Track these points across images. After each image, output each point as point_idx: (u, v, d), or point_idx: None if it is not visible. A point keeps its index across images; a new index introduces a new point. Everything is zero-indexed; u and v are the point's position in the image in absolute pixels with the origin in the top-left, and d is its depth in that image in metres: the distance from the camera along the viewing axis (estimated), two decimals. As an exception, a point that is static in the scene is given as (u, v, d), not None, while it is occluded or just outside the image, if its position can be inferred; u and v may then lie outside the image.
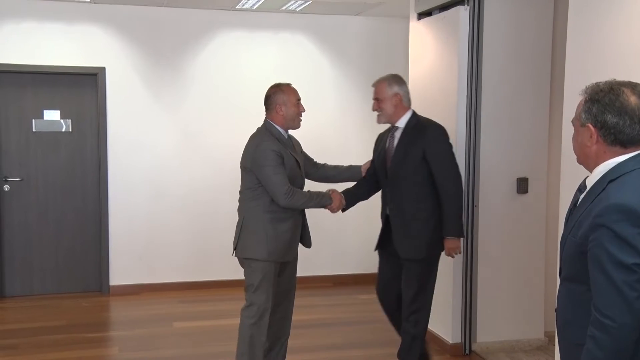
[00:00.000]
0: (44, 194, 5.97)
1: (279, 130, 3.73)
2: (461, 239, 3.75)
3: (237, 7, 5.93)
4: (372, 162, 3.94)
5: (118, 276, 6.05)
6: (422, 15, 4.88)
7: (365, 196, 4.00)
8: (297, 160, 3.72)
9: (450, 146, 3.67)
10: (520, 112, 4.41)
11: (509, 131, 4.41)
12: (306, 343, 4.75)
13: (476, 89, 4.35)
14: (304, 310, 5.59)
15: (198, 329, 5.08)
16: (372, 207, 6.41)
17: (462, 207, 3.69)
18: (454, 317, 4.50)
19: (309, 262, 6.47)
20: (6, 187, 5.83)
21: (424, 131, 3.65)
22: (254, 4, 5.81)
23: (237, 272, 6.24)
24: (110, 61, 5.92)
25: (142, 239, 6.10)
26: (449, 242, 3.64)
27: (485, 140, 4.39)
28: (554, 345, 2.99)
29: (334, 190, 3.79)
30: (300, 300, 5.88)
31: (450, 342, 4.52)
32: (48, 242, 5.96)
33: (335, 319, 5.36)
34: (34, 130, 5.90)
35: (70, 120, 5.97)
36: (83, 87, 5.97)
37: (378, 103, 3.71)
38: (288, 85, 3.77)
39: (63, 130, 5.98)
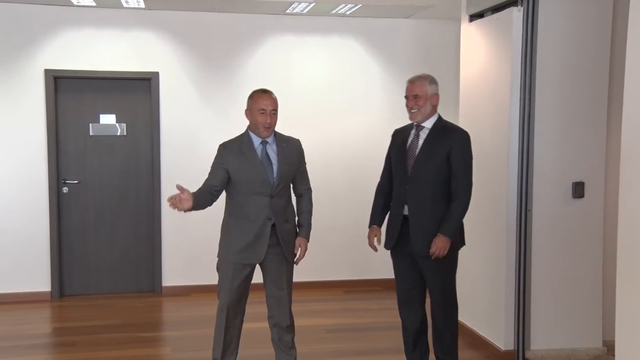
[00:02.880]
0: (100, 196, 6.13)
1: (248, 134, 3.85)
2: (449, 243, 3.63)
3: (287, 11, 5.98)
4: (388, 158, 3.96)
5: (170, 277, 6.17)
6: (473, 17, 4.82)
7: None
8: (261, 166, 3.74)
9: (471, 155, 3.69)
10: (576, 114, 4.30)
11: (564, 134, 4.30)
12: (358, 347, 4.75)
13: (529, 91, 4.26)
14: (355, 313, 5.60)
15: (247, 330, 5.10)
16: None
17: (465, 213, 3.66)
18: (506, 323, 4.42)
19: (360, 266, 6.49)
20: (65, 189, 6.02)
21: (452, 133, 3.67)
22: (304, 8, 5.84)
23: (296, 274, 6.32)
24: (163, 66, 6.05)
25: (194, 241, 6.19)
26: (440, 240, 3.58)
27: (539, 143, 4.30)
28: (613, 355, 2.90)
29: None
30: (351, 304, 5.92)
31: (503, 349, 4.44)
32: (103, 243, 6.12)
33: (386, 323, 5.32)
34: (90, 134, 6.07)
35: (125, 124, 6.12)
36: (137, 91, 6.12)
37: (416, 100, 3.68)
38: (259, 92, 3.80)
39: (118, 133, 6.13)
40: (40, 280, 5.93)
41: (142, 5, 5.70)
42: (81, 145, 6.06)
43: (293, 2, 5.63)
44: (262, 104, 3.73)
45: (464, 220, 3.72)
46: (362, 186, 6.43)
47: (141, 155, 6.18)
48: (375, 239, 3.93)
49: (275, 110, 3.78)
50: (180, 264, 6.21)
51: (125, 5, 5.69)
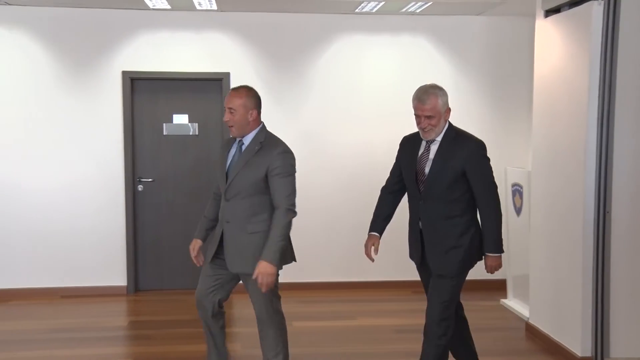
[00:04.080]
0: (173, 194, 6.30)
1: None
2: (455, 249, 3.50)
3: (356, 10, 5.97)
4: (397, 166, 3.77)
5: (240, 274, 6.26)
6: (549, 12, 4.69)
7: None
8: (222, 166, 3.66)
9: (489, 161, 3.50)
10: (659, 113, 4.12)
11: (646, 133, 4.13)
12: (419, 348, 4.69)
13: (609, 89, 4.11)
14: (417, 314, 5.53)
15: (317, 328, 5.15)
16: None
17: (502, 223, 3.51)
18: (583, 328, 4.27)
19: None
20: (140, 187, 6.21)
21: (465, 144, 3.46)
22: (373, 7, 5.82)
23: (355, 274, 6.34)
24: (234, 66, 6.15)
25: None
26: (490, 260, 3.49)
27: (619, 143, 4.14)
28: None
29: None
30: (420, 305, 5.81)
31: (580, 355, 4.30)
32: (176, 240, 6.28)
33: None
34: (164, 133, 6.24)
35: (197, 123, 6.26)
36: (209, 92, 6.24)
37: (430, 120, 3.42)
38: (230, 90, 3.65)
39: (190, 133, 6.27)
40: (116, 275, 6.14)
41: (214, 7, 5.81)
42: (155, 144, 6.23)
43: (362, 1, 5.62)
44: (225, 102, 3.60)
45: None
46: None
47: (212, 155, 6.29)
48: (373, 248, 3.77)
49: (233, 108, 3.51)
50: (250, 262, 6.29)
51: (198, 7, 5.82)
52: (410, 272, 6.43)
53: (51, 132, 6.00)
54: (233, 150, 3.65)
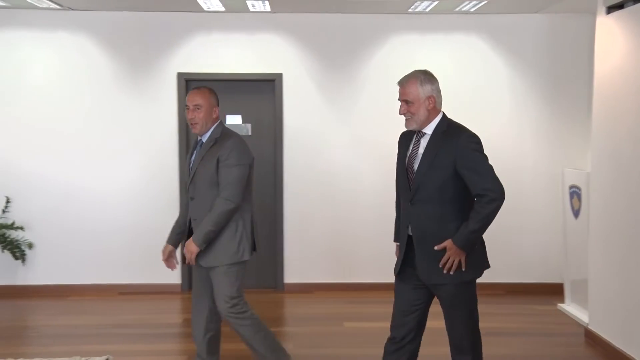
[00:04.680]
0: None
1: None
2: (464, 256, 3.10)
3: (409, 10, 5.92)
4: (400, 160, 3.36)
5: (292, 274, 6.30)
6: (611, 8, 4.55)
7: None
8: (187, 166, 3.74)
9: (484, 156, 3.11)
10: None
11: None
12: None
13: (675, 87, 3.96)
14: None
15: (368, 330, 5.13)
16: (555, 215, 6.12)
17: (485, 222, 3.07)
18: (645, 336, 4.13)
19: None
20: (194, 187, 6.30)
21: (454, 137, 3.09)
22: (427, 7, 5.76)
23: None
24: (287, 67, 6.18)
25: (316, 240, 6.29)
26: (451, 247, 3.05)
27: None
28: None
29: None
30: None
31: (642, 362, 4.15)
32: (229, 239, 6.34)
33: (509, 329, 5.15)
34: (218, 134, 6.32)
35: (250, 124, 6.32)
36: (262, 92, 6.29)
37: (408, 106, 3.15)
38: (192, 89, 3.70)
39: (243, 133, 6.34)
40: (171, 273, 6.23)
41: (268, 8, 5.85)
42: (209, 144, 6.31)
43: (416, 1, 5.56)
44: (187, 100, 3.66)
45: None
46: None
47: (265, 155, 6.35)
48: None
49: (198, 105, 3.58)
50: (302, 262, 6.32)
51: (251, 9, 5.87)
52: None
53: (110, 132, 6.16)
54: (195, 151, 3.74)
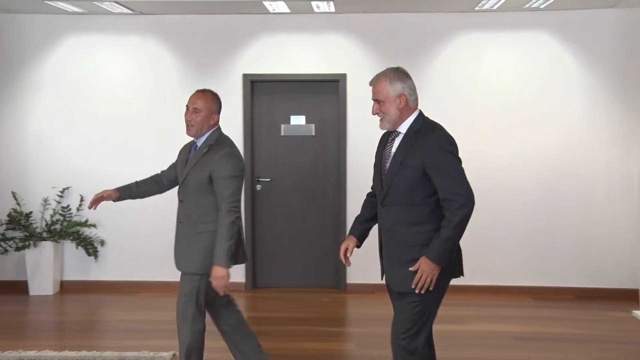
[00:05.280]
0: (289, 194, 6.42)
1: None
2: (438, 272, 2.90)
3: (476, 8, 5.81)
4: (376, 160, 3.18)
5: (354, 275, 6.28)
6: (691, 2, 4.33)
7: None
8: (181, 168, 3.71)
9: (456, 158, 2.92)
10: None
11: None
12: (548, 357, 4.48)
13: None
14: (545, 322, 5.30)
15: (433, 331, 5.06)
16: (631, 218, 5.89)
17: (458, 233, 2.86)
18: None
19: (550, 273, 6.14)
20: (258, 187, 6.38)
21: (425, 137, 2.93)
22: (494, 4, 5.64)
23: (470, 277, 6.15)
24: (350, 68, 6.18)
25: (377, 241, 6.24)
26: (425, 264, 2.86)
27: None
28: None
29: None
30: (541, 312, 5.61)
31: None
32: (292, 239, 6.40)
33: (579, 335, 4.99)
34: (282, 134, 6.37)
35: (313, 125, 6.35)
36: (326, 93, 6.31)
37: (379, 106, 3.02)
38: (195, 91, 3.66)
39: (307, 134, 6.37)
40: (235, 272, 6.31)
41: (332, 9, 5.87)
42: (273, 145, 6.39)
43: (483, -2, 5.47)
44: (188, 100, 3.61)
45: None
46: (554, 193, 6.12)
47: (329, 155, 6.36)
48: (347, 250, 3.29)
49: (197, 109, 3.54)
50: (365, 262, 6.27)
51: (316, 10, 5.90)
52: (530, 278, 6.21)
53: (178, 133, 6.28)
54: (190, 153, 3.69)
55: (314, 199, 6.40)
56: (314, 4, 5.65)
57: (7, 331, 5.06)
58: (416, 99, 3.08)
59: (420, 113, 3.07)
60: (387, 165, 3.02)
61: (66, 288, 6.34)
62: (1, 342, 4.72)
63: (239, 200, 3.52)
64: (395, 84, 3.02)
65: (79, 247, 6.22)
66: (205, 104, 3.56)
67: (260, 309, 5.83)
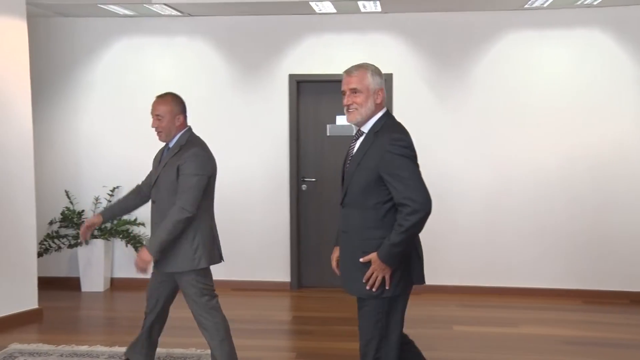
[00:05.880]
0: (335, 194, 6.40)
1: None
2: (389, 272, 2.83)
3: (526, 6, 5.71)
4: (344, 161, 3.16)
5: (400, 275, 6.24)
6: None
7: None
8: (153, 170, 3.78)
9: (412, 161, 2.81)
10: None
11: None
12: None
13: None
14: (597, 326, 5.17)
15: (478, 334, 4.99)
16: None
17: (407, 236, 2.78)
18: None
19: (602, 276, 5.98)
20: (304, 187, 6.41)
21: (381, 138, 2.82)
22: (545, 1, 5.53)
23: (519, 280, 6.05)
24: (397, 67, 6.14)
25: (423, 241, 6.15)
26: (375, 262, 2.80)
27: None
28: None
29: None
30: (592, 316, 5.47)
31: None
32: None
33: (635, 341, 4.83)
34: (327, 134, 6.38)
35: (359, 125, 6.33)
36: (372, 93, 6.29)
37: (355, 96, 2.89)
38: (155, 97, 3.70)
39: (353, 134, 6.34)
40: (281, 271, 6.39)
41: (379, 9, 5.84)
42: (319, 145, 6.40)
43: (533, -5, 5.37)
44: (151, 109, 3.66)
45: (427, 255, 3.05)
46: (607, 194, 5.97)
47: (374, 155, 6.33)
48: (336, 261, 3.25)
49: (160, 115, 3.61)
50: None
51: (362, 10, 5.89)
52: (582, 281, 6.06)
53: (225, 132, 6.38)
54: (163, 155, 3.75)
55: (360, 199, 6.38)
56: (360, 3, 5.64)
57: (61, 326, 5.21)
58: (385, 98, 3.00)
59: (386, 113, 2.98)
60: (347, 166, 2.97)
61: (116, 285, 6.48)
62: (55, 336, 4.85)
63: (196, 201, 3.52)
64: (376, 77, 2.92)
65: (128, 245, 6.36)
66: (166, 108, 3.63)
67: (305, 308, 5.84)
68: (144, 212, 6.32)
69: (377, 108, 2.93)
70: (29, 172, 5.25)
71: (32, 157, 5.28)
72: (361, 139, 2.95)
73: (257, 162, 6.37)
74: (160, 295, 3.83)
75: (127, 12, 6.02)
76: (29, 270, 5.27)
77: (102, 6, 5.75)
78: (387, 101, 6.13)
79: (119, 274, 6.51)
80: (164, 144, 3.75)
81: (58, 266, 6.51)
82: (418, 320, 5.32)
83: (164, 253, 3.57)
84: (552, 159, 6.02)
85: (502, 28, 6.00)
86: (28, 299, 5.28)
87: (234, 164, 6.36)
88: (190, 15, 6.20)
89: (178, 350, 4.57)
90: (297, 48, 6.25)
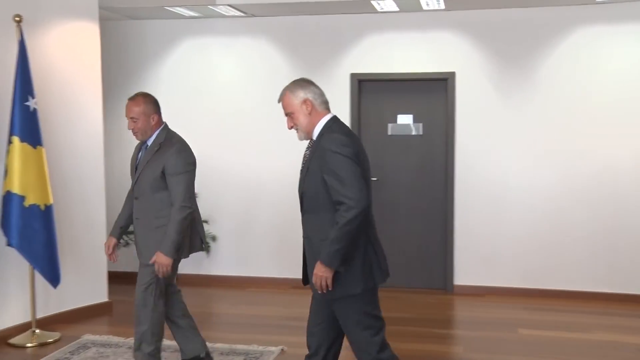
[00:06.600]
0: (396, 193, 6.38)
1: None
2: (335, 272, 2.87)
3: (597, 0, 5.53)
4: None
5: (462, 276, 6.16)
6: None
7: None
8: (132, 167, 3.88)
9: (349, 159, 2.83)
10: None
11: None
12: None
13: None
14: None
15: (545, 338, 4.87)
16: None
17: (351, 235, 2.81)
18: None
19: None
20: (365, 186, 6.39)
21: (323, 141, 2.91)
22: (616, -5, 5.35)
23: (594, 284, 5.87)
24: (460, 66, 6.06)
25: (487, 243, 6.10)
26: (317, 268, 2.86)
27: None
28: None
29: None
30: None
31: None
32: (398, 239, 6.35)
33: None
34: (389, 133, 6.35)
35: (421, 124, 6.28)
36: (434, 92, 6.22)
37: (291, 119, 3.05)
38: (127, 100, 3.81)
39: (414, 133, 6.31)
40: (341, 270, 6.39)
41: (442, 6, 5.77)
42: (380, 144, 6.37)
43: (604, -11, 5.19)
44: (125, 112, 3.76)
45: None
46: None
47: (436, 155, 6.27)
48: None
49: (134, 117, 3.71)
50: (474, 264, 6.16)
51: (425, 7, 5.83)
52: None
53: (286, 131, 6.37)
54: (141, 152, 3.84)
55: (421, 199, 6.33)
56: (422, 1, 5.58)
57: (130, 319, 5.27)
58: (323, 103, 3.06)
59: (332, 118, 3.05)
60: (300, 174, 3.07)
61: (182, 281, 6.61)
62: (125, 328, 5.00)
63: (192, 196, 3.73)
64: (296, 92, 3.03)
65: (193, 242, 6.49)
66: (139, 109, 3.74)
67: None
68: (207, 210, 6.49)
69: (315, 116, 3.02)
70: (100, 172, 5.46)
71: (102, 157, 5.48)
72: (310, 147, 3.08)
73: (319, 161, 6.39)
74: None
75: (192, 13, 6.16)
76: (100, 265, 5.47)
77: (168, 8, 5.90)
78: (450, 100, 6.09)
79: (183, 270, 6.62)
80: (137, 143, 3.92)
81: (127, 261, 6.68)
82: (482, 323, 5.25)
83: (146, 246, 3.74)
84: (621, 159, 5.81)
85: (570, 23, 5.83)
86: (99, 293, 5.49)
87: (295, 163, 6.39)
88: (253, 15, 6.28)
89: (241, 347, 4.64)
90: (358, 47, 6.24)
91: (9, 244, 4.57)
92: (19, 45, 4.59)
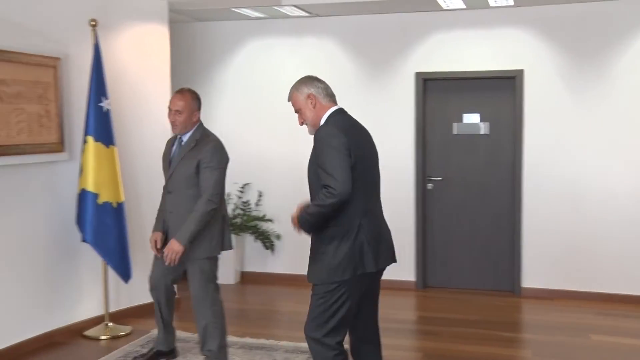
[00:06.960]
0: (461, 193, 6.28)
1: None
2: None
3: (675, -8, 5.29)
4: None
5: (530, 279, 6.01)
6: None
7: None
8: (165, 162, 3.99)
9: (336, 150, 2.90)
10: None
11: None
12: None
13: None
14: None
15: (619, 345, 4.70)
16: None
17: (324, 215, 2.93)
18: None
19: None
20: (429, 186, 6.32)
21: (317, 132, 3.05)
22: (697, -13, 5.10)
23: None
24: (529, 63, 5.91)
25: (557, 245, 5.93)
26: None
27: None
28: None
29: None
30: None
31: None
32: (464, 239, 6.26)
33: None
34: (454, 133, 6.25)
35: (488, 123, 6.16)
36: (501, 90, 6.09)
37: (300, 116, 3.18)
38: (175, 92, 3.94)
39: (481, 132, 6.19)
40: (406, 271, 6.33)
41: (510, 2, 5.64)
42: (445, 143, 6.28)
43: (683, -19, 4.95)
44: (170, 103, 3.86)
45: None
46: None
47: (503, 154, 6.14)
48: None
49: (179, 110, 3.81)
50: (543, 266, 6.00)
51: (492, 4, 5.72)
52: None
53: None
54: (174, 147, 3.94)
55: (487, 199, 6.21)
56: (490, -3, 5.48)
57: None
58: (328, 95, 3.22)
59: (336, 110, 3.18)
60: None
61: (246, 278, 6.73)
62: (192, 324, 5.10)
63: (221, 192, 3.82)
64: (301, 89, 3.20)
65: (257, 240, 6.57)
66: (186, 104, 3.85)
67: (430, 308, 5.77)
68: (272, 209, 6.56)
69: (320, 109, 3.16)
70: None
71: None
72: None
73: (383, 161, 6.34)
74: (172, 277, 4.07)
75: (257, 14, 6.23)
76: (168, 261, 5.59)
77: (235, 10, 6.00)
78: (518, 98, 5.94)
79: (249, 267, 6.75)
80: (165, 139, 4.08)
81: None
82: (552, 327, 5.11)
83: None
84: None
85: (646, 18, 5.60)
86: (167, 289, 5.62)
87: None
88: (318, 15, 6.30)
89: (305, 345, 4.65)
90: (423, 45, 6.17)
91: (84, 240, 4.75)
92: (94, 49, 4.76)
